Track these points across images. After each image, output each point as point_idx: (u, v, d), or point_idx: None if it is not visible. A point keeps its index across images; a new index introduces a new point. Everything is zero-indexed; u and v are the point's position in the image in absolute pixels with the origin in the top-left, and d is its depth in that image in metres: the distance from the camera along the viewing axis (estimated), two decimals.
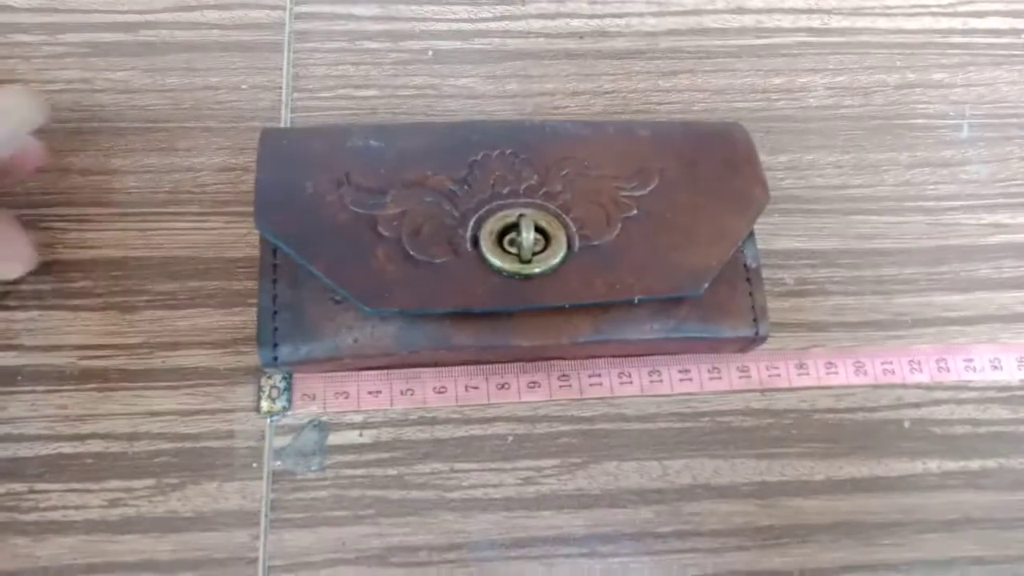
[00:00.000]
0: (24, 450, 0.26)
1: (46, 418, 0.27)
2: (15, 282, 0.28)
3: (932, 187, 0.33)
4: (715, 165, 0.28)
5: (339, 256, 0.24)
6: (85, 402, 0.27)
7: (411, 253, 0.24)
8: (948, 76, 0.35)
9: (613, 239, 0.26)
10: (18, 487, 0.26)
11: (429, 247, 0.25)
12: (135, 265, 0.29)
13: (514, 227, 0.25)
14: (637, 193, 0.27)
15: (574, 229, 0.26)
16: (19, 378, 0.27)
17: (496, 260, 0.25)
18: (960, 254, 0.32)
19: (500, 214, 0.26)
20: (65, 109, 0.31)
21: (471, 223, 0.25)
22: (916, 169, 0.34)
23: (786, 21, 0.36)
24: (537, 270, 0.25)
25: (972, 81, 0.35)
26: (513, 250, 0.25)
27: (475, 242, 0.25)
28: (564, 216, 0.26)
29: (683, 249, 0.26)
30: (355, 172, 0.25)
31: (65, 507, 0.26)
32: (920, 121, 0.34)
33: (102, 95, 0.31)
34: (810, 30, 0.36)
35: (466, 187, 0.26)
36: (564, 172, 0.27)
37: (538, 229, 0.25)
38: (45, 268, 0.28)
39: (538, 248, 0.25)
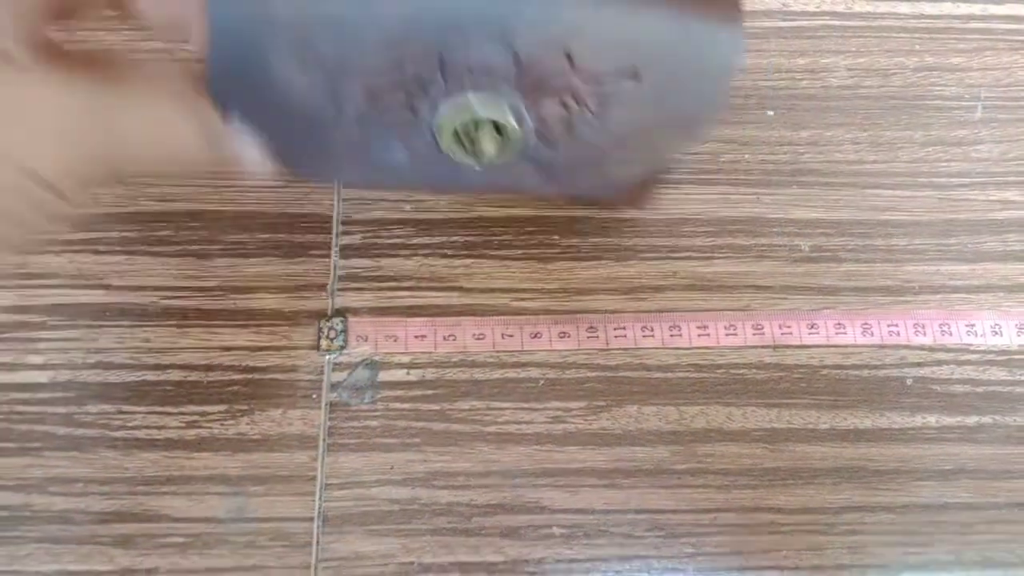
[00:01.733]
0: (112, 376, 0.30)
1: (131, 349, 0.30)
2: (103, 229, 0.31)
3: (944, 164, 0.35)
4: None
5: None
6: (166, 337, 0.30)
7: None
8: (965, 60, 0.37)
9: (563, 147, 0.25)
10: (108, 408, 0.29)
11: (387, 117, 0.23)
12: (210, 218, 0.32)
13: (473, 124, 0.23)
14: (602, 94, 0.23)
15: (532, 129, 0.24)
16: (107, 314, 0.31)
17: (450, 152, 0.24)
18: (968, 228, 0.34)
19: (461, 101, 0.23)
20: None
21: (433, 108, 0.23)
22: (930, 147, 0.36)
23: (811, 5, 0.38)
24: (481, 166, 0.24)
25: (988, 65, 0.37)
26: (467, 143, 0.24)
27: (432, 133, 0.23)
28: (525, 113, 0.23)
29: (620, 165, 0.27)
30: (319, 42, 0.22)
31: (148, 427, 0.29)
32: (936, 102, 0.36)
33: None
34: (834, 14, 0.38)
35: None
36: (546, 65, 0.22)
37: (496, 128, 0.23)
38: (130, 217, 0.32)
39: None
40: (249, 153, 0.22)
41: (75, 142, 0.19)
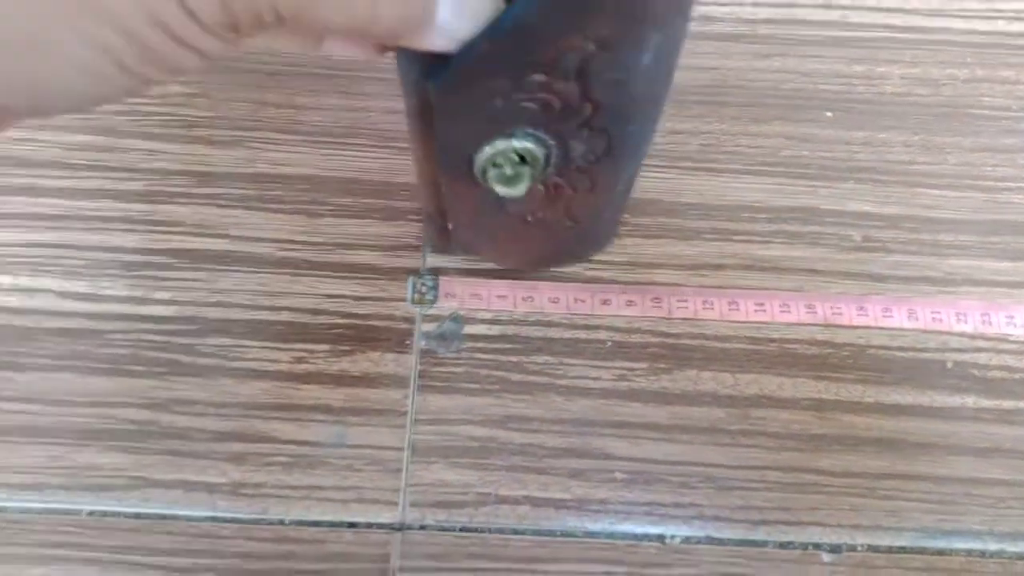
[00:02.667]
0: (232, 313, 0.34)
1: (248, 292, 0.34)
2: (224, 185, 0.35)
3: (991, 168, 0.38)
4: None
5: None
6: (279, 282, 0.34)
7: None
8: (1015, 74, 0.40)
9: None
10: (226, 341, 0.33)
11: None
12: (318, 181, 0.36)
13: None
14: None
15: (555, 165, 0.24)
16: (228, 260, 0.34)
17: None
18: (1012, 228, 0.37)
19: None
20: (261, 53, 0.38)
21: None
22: (977, 153, 0.38)
23: (869, 17, 0.41)
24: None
25: None
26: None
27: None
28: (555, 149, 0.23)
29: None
30: None
31: (261, 359, 0.33)
32: (984, 111, 0.39)
33: None
34: (890, 26, 0.41)
35: None
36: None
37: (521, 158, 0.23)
38: (249, 177, 0.36)
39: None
40: (451, 18, 0.17)
41: None
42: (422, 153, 0.24)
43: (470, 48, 0.18)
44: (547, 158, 0.23)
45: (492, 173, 0.23)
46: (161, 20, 0.14)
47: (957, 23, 0.41)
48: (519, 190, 0.23)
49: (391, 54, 0.20)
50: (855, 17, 0.41)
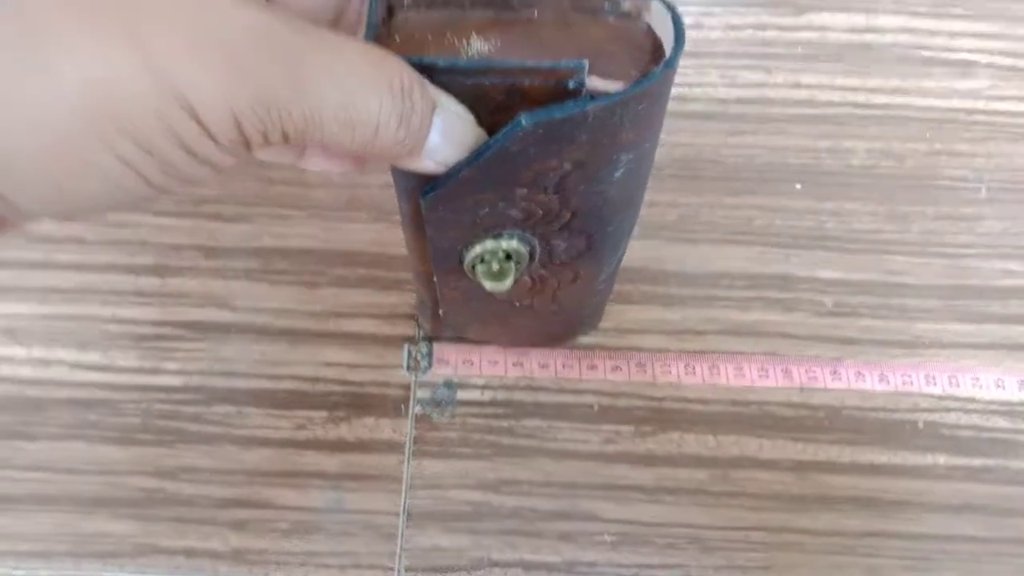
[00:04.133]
0: (236, 383, 0.35)
1: (251, 361, 0.36)
2: (229, 259, 0.37)
3: (952, 236, 0.40)
4: None
5: None
6: (279, 351, 0.36)
7: None
8: (971, 147, 0.43)
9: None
10: (231, 409, 0.35)
11: None
12: (319, 253, 0.38)
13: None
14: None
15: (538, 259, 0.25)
16: (232, 330, 0.36)
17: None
18: (974, 292, 0.39)
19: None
20: None
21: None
22: (940, 221, 0.41)
23: (835, 95, 0.44)
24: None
25: (992, 153, 0.42)
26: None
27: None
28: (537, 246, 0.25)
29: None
30: None
31: (264, 427, 0.34)
32: (945, 182, 0.42)
33: None
34: (854, 103, 0.43)
35: None
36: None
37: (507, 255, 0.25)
38: (254, 251, 0.38)
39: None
40: (439, 145, 0.19)
41: (247, 75, 0.15)
42: (415, 247, 0.26)
43: (456, 170, 0.20)
44: (531, 254, 0.25)
45: (480, 269, 0.24)
46: (181, 138, 0.15)
47: (916, 100, 0.44)
48: (505, 284, 0.25)
49: (368, 167, 0.22)
50: (821, 95, 0.43)
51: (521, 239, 0.24)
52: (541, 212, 0.22)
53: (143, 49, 0.14)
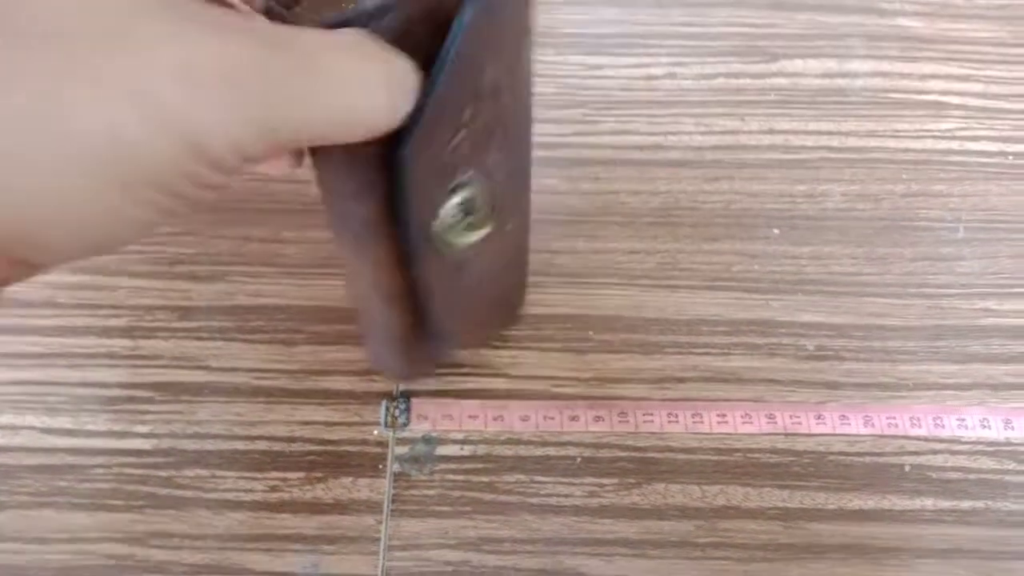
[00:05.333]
0: (208, 444, 0.34)
1: (225, 422, 0.35)
2: (204, 319, 0.37)
3: (932, 276, 0.40)
4: None
5: None
6: (255, 411, 0.35)
7: None
8: (946, 188, 0.43)
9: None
10: (203, 472, 0.34)
11: None
12: (295, 310, 0.38)
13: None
14: None
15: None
16: (205, 391, 0.36)
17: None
18: (955, 332, 0.39)
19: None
20: (249, 193, 0.41)
21: None
22: (918, 262, 0.41)
23: (809, 140, 0.44)
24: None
25: (967, 192, 0.43)
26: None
27: None
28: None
29: None
30: None
31: (237, 490, 0.34)
32: (922, 223, 0.42)
33: (276, 185, 0.41)
34: (829, 148, 0.44)
35: None
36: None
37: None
38: (228, 310, 0.37)
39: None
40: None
41: (249, 106, 0.16)
42: (386, 260, 0.26)
43: (422, 104, 0.20)
44: (483, 197, 0.26)
45: (451, 231, 0.25)
46: (196, 177, 0.16)
47: (890, 143, 0.44)
48: (476, 235, 0.26)
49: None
50: (796, 140, 0.44)
51: (470, 185, 0.25)
52: (482, 131, 0.23)
53: (147, 103, 0.15)
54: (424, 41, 0.19)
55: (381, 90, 0.18)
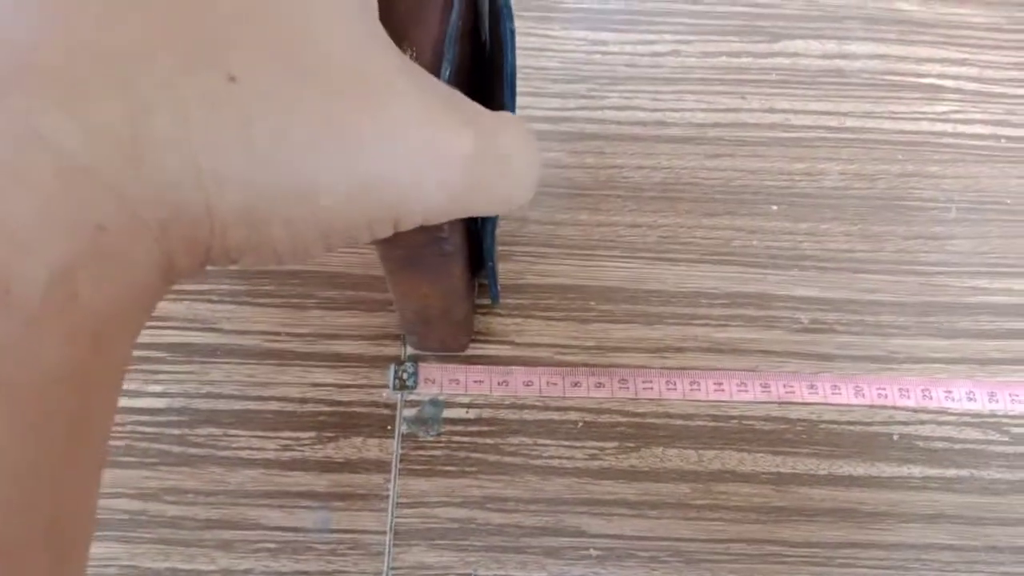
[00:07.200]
0: (221, 404, 0.35)
1: (237, 383, 0.36)
2: (215, 282, 0.38)
3: (924, 255, 0.42)
4: None
5: None
6: (267, 373, 0.36)
7: None
8: (940, 169, 0.44)
9: None
10: (216, 431, 0.35)
11: None
12: (306, 276, 0.38)
13: None
14: None
15: None
16: (218, 352, 0.36)
17: None
18: (945, 309, 0.40)
19: None
20: None
21: None
22: (911, 240, 0.42)
23: (808, 120, 0.45)
24: None
25: (960, 174, 0.44)
26: None
27: None
28: None
29: None
30: None
31: (250, 448, 0.35)
32: (916, 203, 0.43)
33: None
34: (828, 127, 0.45)
35: None
36: None
37: None
38: (239, 273, 0.38)
39: None
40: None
41: (453, 185, 0.16)
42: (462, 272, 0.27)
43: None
44: None
45: None
46: (374, 235, 0.16)
47: (887, 124, 0.45)
48: None
49: None
50: (795, 120, 0.45)
51: None
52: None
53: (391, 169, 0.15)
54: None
55: (536, 169, 0.18)
